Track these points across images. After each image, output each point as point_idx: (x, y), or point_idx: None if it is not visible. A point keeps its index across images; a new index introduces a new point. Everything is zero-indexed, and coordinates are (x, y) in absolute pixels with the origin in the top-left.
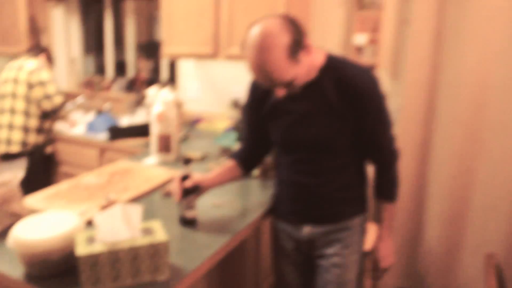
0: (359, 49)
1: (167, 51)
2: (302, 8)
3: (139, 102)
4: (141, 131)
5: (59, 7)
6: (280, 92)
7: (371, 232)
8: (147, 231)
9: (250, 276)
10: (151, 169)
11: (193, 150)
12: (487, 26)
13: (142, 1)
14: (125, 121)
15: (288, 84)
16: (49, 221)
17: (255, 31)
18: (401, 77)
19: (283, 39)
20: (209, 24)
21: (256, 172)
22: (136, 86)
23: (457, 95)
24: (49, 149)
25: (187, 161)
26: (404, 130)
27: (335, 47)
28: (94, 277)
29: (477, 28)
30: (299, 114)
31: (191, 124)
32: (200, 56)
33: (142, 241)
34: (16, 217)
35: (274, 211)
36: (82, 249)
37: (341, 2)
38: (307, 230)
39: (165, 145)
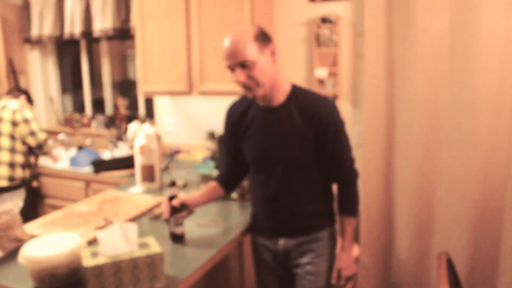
0: (321, 81)
1: (144, 89)
2: None
3: (120, 136)
4: (125, 163)
5: (35, 50)
6: (240, 77)
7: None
8: (143, 245)
9: None
10: (138, 196)
11: (175, 178)
12: (431, 57)
13: (114, 42)
14: (107, 155)
15: (248, 66)
16: (54, 241)
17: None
18: (361, 106)
19: (252, 28)
20: (182, 63)
21: (234, 195)
22: (116, 122)
23: (412, 119)
24: (34, 183)
25: (172, 183)
26: (368, 153)
27: (300, 80)
28: (99, 286)
29: (423, 59)
30: (270, 134)
31: (170, 155)
32: (175, 93)
33: (140, 252)
34: (18, 241)
35: (252, 227)
36: (88, 262)
37: (302, 40)
38: (282, 242)
39: (149, 174)
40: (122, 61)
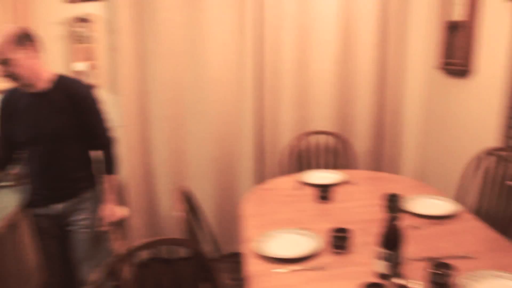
0: (81, 74)
1: None
2: None
3: None
4: None
5: None
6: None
7: None
8: None
9: (14, 274)
10: None
11: None
12: (173, 46)
13: None
14: None
15: (5, 62)
16: None
17: None
18: (118, 92)
19: (14, 30)
20: None
21: (10, 182)
22: None
23: (162, 98)
24: None
25: None
26: (129, 131)
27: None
28: None
29: (167, 48)
30: (37, 116)
31: None
32: None
33: None
34: None
35: (30, 202)
36: None
37: (60, 38)
38: (58, 207)
39: None
40: None
